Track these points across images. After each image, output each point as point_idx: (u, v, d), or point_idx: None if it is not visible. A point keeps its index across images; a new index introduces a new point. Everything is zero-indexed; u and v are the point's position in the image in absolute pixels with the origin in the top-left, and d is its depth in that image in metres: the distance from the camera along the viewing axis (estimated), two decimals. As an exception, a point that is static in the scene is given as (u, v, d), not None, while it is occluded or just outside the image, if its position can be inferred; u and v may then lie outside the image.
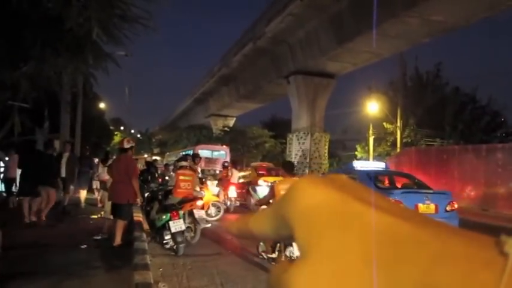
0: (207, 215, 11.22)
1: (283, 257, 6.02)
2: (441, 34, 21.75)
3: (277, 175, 15.71)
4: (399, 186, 9.94)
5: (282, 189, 6.17)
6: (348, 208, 0.29)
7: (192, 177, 8.30)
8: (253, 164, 24.35)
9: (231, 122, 51.50)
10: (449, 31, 21.33)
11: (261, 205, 7.16)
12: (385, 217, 0.27)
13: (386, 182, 10.10)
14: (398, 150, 25.32)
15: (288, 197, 0.32)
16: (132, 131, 73.48)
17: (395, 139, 26.92)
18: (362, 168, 10.56)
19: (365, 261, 0.26)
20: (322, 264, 0.27)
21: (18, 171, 11.27)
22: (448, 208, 8.68)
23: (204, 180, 12.01)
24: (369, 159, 29.11)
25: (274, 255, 6.40)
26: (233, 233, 0.37)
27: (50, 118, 17.29)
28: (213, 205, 11.69)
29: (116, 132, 58.58)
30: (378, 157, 30.04)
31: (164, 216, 7.23)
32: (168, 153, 37.47)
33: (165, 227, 7.13)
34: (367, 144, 29.56)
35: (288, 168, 6.84)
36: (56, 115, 16.50)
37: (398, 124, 25.87)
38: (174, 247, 7.12)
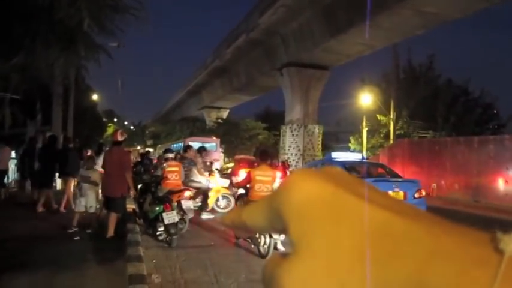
0: (217, 206, 11.32)
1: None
2: (434, 26, 21.78)
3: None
4: (371, 175, 10.62)
5: (257, 174, 6.93)
6: (341, 202, 0.28)
7: (179, 167, 8.80)
8: (236, 156, 24.58)
9: (225, 114, 51.40)
10: (442, 23, 21.35)
11: (238, 187, 8.64)
12: (378, 212, 0.27)
13: (360, 171, 10.61)
14: (391, 142, 25.42)
15: (281, 191, 0.31)
16: (126, 123, 73.15)
17: (389, 131, 27.01)
18: (339, 159, 11.28)
19: (357, 256, 0.26)
20: (314, 259, 0.27)
21: (11, 163, 11.28)
22: (416, 195, 9.17)
23: (212, 171, 12.00)
24: (362, 151, 29.22)
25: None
26: (227, 224, 0.37)
27: (41, 110, 17.17)
28: (223, 196, 11.56)
29: (109, 124, 58.29)
30: (372, 149, 30.17)
31: (157, 208, 7.22)
32: (159, 145, 37.38)
33: (158, 218, 7.13)
34: (361, 136, 29.64)
35: (263, 157, 7.35)
36: (48, 107, 16.37)
37: (392, 116, 25.94)
38: (167, 239, 7.12)
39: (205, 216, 10.44)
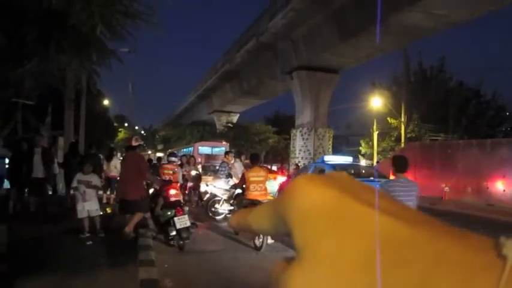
0: None
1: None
2: (445, 28, 21.63)
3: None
4: (360, 176, 11.13)
5: (250, 176, 7.85)
6: (346, 209, 0.28)
7: (173, 169, 8.79)
8: (245, 161, 24.62)
9: (235, 118, 51.48)
10: (453, 25, 21.21)
11: (235, 188, 9.37)
12: (384, 219, 0.27)
13: (350, 173, 10.74)
14: (402, 145, 25.25)
15: (286, 196, 0.31)
16: (136, 128, 73.55)
17: (400, 134, 26.84)
18: (331, 162, 12.04)
19: (363, 264, 0.26)
20: (320, 266, 0.27)
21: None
22: None
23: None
24: (373, 155, 29.09)
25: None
26: (232, 226, 0.38)
27: (53, 115, 17.32)
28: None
29: (119, 129, 58.64)
30: (383, 152, 30.00)
31: (169, 213, 7.21)
32: (169, 150, 37.55)
33: (170, 223, 7.13)
34: (371, 140, 29.50)
35: (254, 160, 8.38)
36: (60, 112, 16.50)
37: (403, 119, 25.78)
38: (179, 243, 7.12)
39: None
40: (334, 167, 11.37)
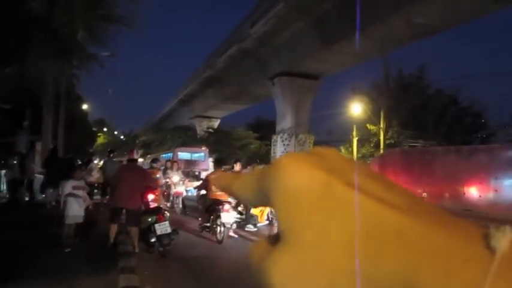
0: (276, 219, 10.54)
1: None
2: (425, 37, 22.03)
3: None
4: None
5: (212, 178, 7.79)
6: (332, 193, 0.27)
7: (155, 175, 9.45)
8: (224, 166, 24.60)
9: (216, 124, 51.35)
10: (432, 34, 21.62)
11: (199, 190, 10.29)
12: (371, 205, 0.26)
13: None
14: (381, 151, 25.53)
15: (271, 174, 0.29)
16: (116, 133, 72.56)
17: (379, 140, 27.14)
18: None
19: (347, 251, 0.25)
20: (303, 252, 0.26)
21: None
22: None
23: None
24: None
25: (208, 224, 9.07)
26: (217, 186, 0.37)
27: (31, 119, 17.01)
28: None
29: (99, 134, 57.86)
30: (363, 158, 30.26)
31: (150, 219, 7.14)
32: (149, 155, 37.23)
33: (150, 229, 7.05)
34: (351, 146, 29.75)
35: (217, 164, 10.12)
36: (38, 116, 16.22)
37: (382, 125, 26.08)
38: (160, 249, 7.05)
39: (251, 228, 10.12)
40: None
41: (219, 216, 8.66)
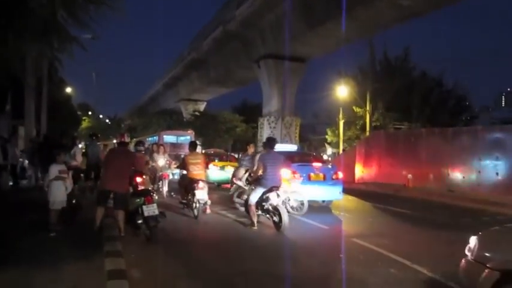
0: (290, 207, 9.85)
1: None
2: (408, 19, 22.05)
3: (225, 160, 18.69)
4: (300, 161, 11.87)
5: (189, 159, 9.96)
6: None
7: (141, 159, 9.37)
8: (206, 150, 24.64)
9: (202, 107, 51.13)
10: (417, 16, 21.67)
11: (179, 169, 11.56)
12: None
13: (290, 159, 11.28)
14: (367, 133, 25.71)
15: None
16: (101, 116, 71.80)
17: (365, 123, 27.31)
18: (277, 150, 12.79)
19: None
20: None
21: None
22: (333, 177, 11.29)
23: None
24: (339, 143, 29.51)
25: (185, 201, 9.95)
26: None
27: (13, 103, 16.70)
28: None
29: (83, 118, 57.19)
30: (348, 140, 30.45)
31: (138, 200, 7.11)
32: (134, 139, 37.01)
33: (138, 211, 7.03)
34: (338, 128, 29.90)
35: (192, 147, 10.44)
36: (20, 100, 15.91)
37: (368, 108, 26.21)
38: (146, 232, 7.05)
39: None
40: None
41: (194, 194, 9.40)
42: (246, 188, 9.80)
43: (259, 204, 8.51)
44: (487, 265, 3.39)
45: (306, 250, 6.81)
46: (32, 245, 6.29)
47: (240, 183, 10.29)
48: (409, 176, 18.15)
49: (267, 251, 6.67)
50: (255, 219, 8.47)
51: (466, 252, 3.79)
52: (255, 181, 8.79)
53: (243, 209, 9.61)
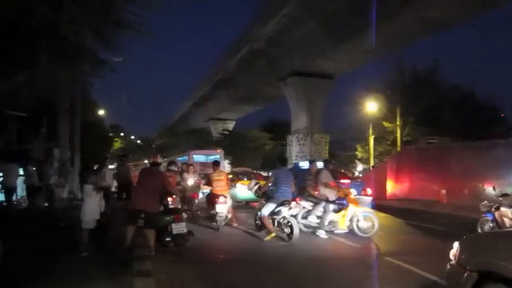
0: (358, 228, 9.39)
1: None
2: (437, 31, 21.79)
3: (253, 178, 17.78)
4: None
5: (213, 176, 10.93)
6: None
7: (172, 178, 9.91)
8: (233, 169, 24.91)
9: (231, 126, 51.48)
10: (445, 28, 21.37)
11: (205, 185, 11.70)
12: None
13: None
14: (398, 148, 25.27)
15: None
16: (132, 137, 73.14)
17: (395, 138, 26.89)
18: (303, 167, 13.39)
19: None
20: None
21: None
22: (362, 193, 11.74)
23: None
24: (369, 159, 29.10)
25: (210, 214, 10.99)
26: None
27: (48, 126, 17.22)
28: (365, 217, 9.48)
29: (115, 139, 58.35)
30: (379, 156, 29.99)
31: (167, 218, 7.30)
32: (165, 159, 37.48)
33: (167, 228, 7.18)
34: (368, 144, 29.53)
35: (215, 165, 11.51)
36: (54, 123, 16.41)
37: (398, 123, 25.82)
38: (174, 249, 7.17)
39: (322, 235, 9.32)
40: (306, 171, 12.10)
41: (215, 207, 10.41)
42: (311, 208, 9.66)
43: (271, 217, 9.08)
44: (467, 268, 3.71)
45: (338, 270, 6.68)
46: (63, 265, 6.40)
47: (304, 203, 9.82)
48: (443, 191, 17.65)
49: (297, 271, 6.57)
50: (271, 227, 9.01)
51: (450, 256, 4.07)
52: (266, 195, 9.52)
53: (306, 229, 9.58)
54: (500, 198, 10.03)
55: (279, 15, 24.64)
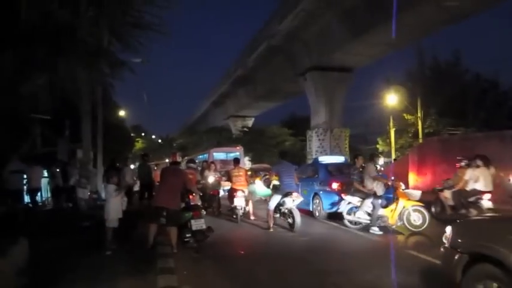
0: (409, 222, 9.11)
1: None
2: (457, 20, 21.34)
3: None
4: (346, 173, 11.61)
5: (233, 173, 11.64)
6: None
7: (193, 176, 10.06)
8: (253, 166, 25.47)
9: (250, 122, 51.52)
10: (465, 17, 20.93)
11: (226, 181, 12.41)
12: None
13: (338, 170, 12.24)
14: (420, 140, 24.92)
15: None
16: (153, 137, 73.94)
17: (417, 130, 26.51)
18: (324, 162, 13.29)
19: None
20: None
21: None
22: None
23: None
24: (391, 152, 28.79)
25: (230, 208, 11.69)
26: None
27: (71, 128, 17.55)
28: (415, 210, 9.21)
29: (137, 139, 59.05)
30: (401, 149, 29.64)
31: (187, 214, 7.45)
32: (186, 157, 37.77)
33: (187, 225, 7.34)
34: (389, 137, 29.20)
35: (235, 162, 12.17)
36: (78, 125, 16.72)
37: (419, 114, 25.45)
38: (194, 245, 7.34)
39: (376, 232, 9.10)
40: (326, 166, 12.61)
41: (233, 202, 11.25)
42: (359, 204, 9.57)
43: (277, 208, 9.75)
44: (459, 250, 4.06)
45: (360, 263, 6.63)
46: (88, 263, 6.52)
47: (350, 198, 9.79)
48: (467, 183, 17.28)
49: (316, 265, 6.54)
50: (271, 223, 9.72)
51: (443, 240, 4.43)
52: (274, 189, 10.01)
53: (353, 226, 9.60)
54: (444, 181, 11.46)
55: (296, 10, 24.52)
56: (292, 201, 9.49)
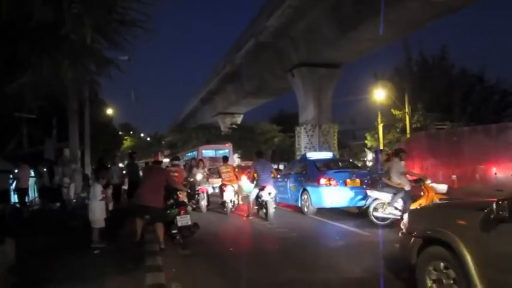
0: None
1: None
2: (443, 15, 21.49)
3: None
4: (337, 168, 12.23)
5: (222, 169, 12.84)
6: None
7: (178, 173, 10.54)
8: (240, 163, 26.25)
9: (239, 119, 51.49)
10: (452, 12, 21.07)
11: (216, 178, 13.66)
12: None
13: (326, 166, 12.36)
14: (408, 136, 25.09)
15: None
16: (142, 135, 73.54)
17: (405, 125, 26.68)
18: (311, 158, 13.41)
19: None
20: None
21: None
22: (370, 182, 11.14)
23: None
24: (379, 147, 28.95)
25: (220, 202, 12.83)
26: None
27: (58, 127, 17.37)
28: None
29: (125, 137, 58.69)
30: (389, 144, 29.81)
31: (173, 211, 7.56)
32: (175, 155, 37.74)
33: (173, 221, 7.42)
34: (377, 132, 29.36)
35: (224, 160, 13.61)
36: (65, 124, 16.53)
37: (407, 110, 25.61)
38: (180, 241, 7.41)
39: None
40: (315, 162, 12.67)
41: (223, 196, 12.33)
42: (387, 200, 9.43)
43: (257, 199, 11.15)
44: (414, 234, 4.47)
45: (348, 259, 6.66)
46: (76, 262, 6.49)
47: (378, 194, 9.69)
48: (454, 176, 17.50)
49: (305, 259, 6.59)
50: (250, 212, 11.24)
51: (401, 226, 4.96)
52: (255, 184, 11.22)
53: (380, 223, 9.41)
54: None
55: (283, 6, 24.51)
56: (268, 194, 10.76)
